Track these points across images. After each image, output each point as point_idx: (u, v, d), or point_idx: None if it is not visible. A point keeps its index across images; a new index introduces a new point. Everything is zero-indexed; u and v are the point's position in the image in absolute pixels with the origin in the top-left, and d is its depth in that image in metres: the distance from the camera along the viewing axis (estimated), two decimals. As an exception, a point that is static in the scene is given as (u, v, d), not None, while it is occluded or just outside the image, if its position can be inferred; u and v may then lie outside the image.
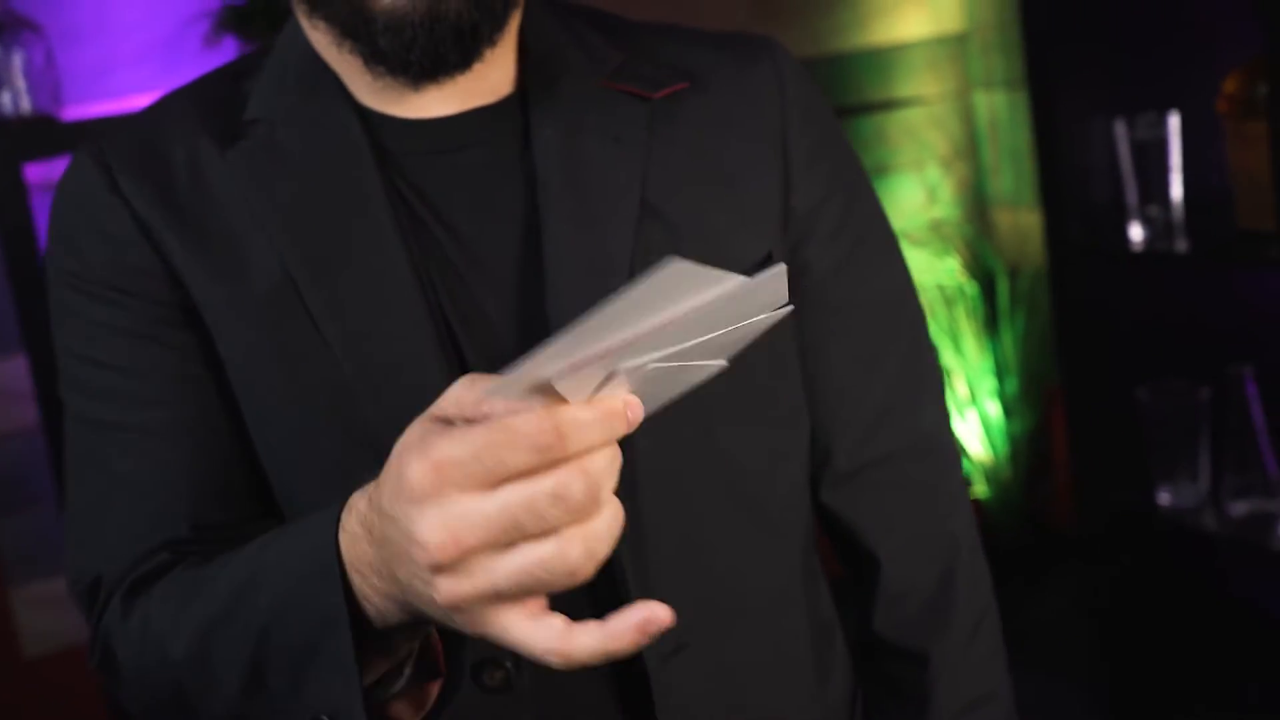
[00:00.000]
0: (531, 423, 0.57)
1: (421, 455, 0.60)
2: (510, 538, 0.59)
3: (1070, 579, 2.68)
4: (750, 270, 0.88)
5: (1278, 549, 1.96)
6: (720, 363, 0.65)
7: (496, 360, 0.85)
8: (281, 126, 0.89)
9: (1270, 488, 2.03)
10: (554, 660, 0.61)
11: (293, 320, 0.85)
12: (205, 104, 0.92)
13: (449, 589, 0.60)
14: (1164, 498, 2.14)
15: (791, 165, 0.94)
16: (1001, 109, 2.93)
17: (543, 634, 0.61)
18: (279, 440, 0.87)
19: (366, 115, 0.90)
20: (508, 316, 0.88)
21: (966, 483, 1.04)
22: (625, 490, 0.84)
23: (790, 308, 0.63)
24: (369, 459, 0.72)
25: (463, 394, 0.61)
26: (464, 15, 0.84)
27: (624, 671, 0.88)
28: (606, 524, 0.60)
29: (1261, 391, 2.02)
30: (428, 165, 0.89)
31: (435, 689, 0.76)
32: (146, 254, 0.87)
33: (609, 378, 0.59)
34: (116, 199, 0.87)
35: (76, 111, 2.23)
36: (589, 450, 0.59)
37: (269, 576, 0.75)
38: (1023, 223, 2.92)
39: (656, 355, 0.60)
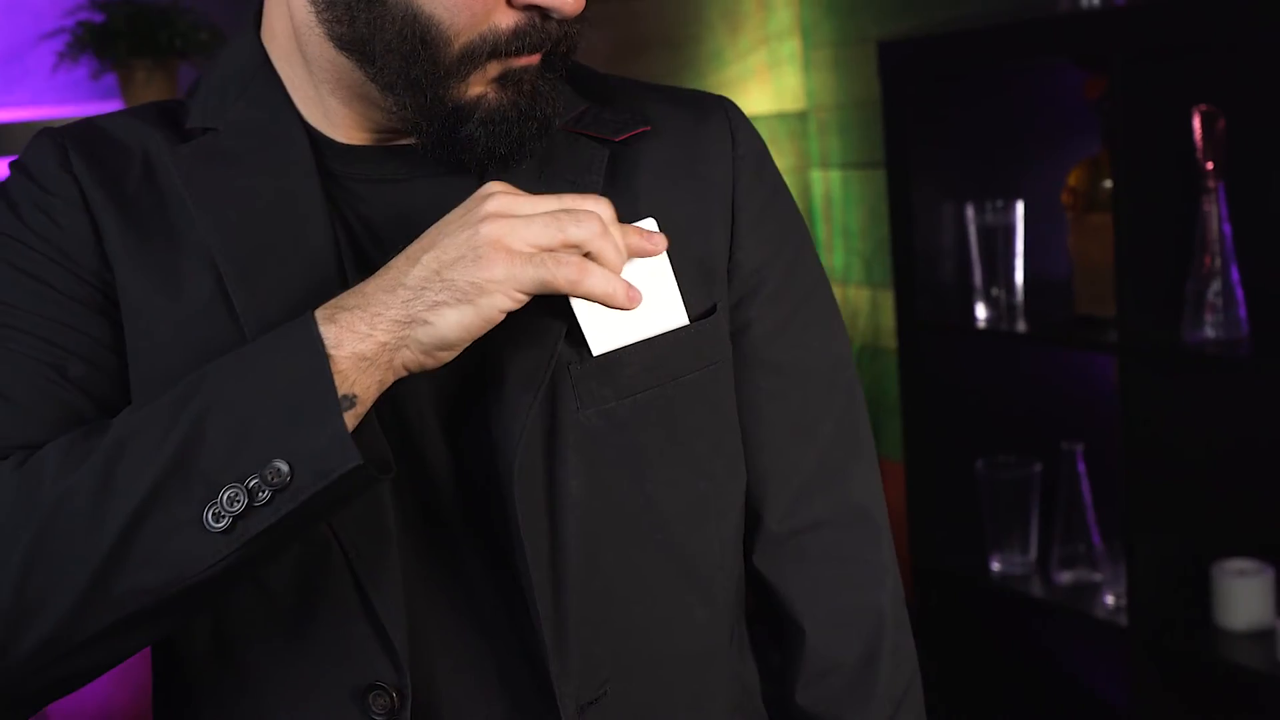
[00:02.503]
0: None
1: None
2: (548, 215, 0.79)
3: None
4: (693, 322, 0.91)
5: (1100, 616, 2.07)
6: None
7: (426, 390, 0.86)
8: (227, 134, 0.88)
9: (1094, 559, 2.15)
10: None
11: (218, 319, 0.84)
12: (155, 116, 0.92)
13: (495, 211, 0.78)
14: (995, 566, 2.24)
15: (738, 221, 0.96)
16: (836, 188, 3.04)
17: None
18: None
19: (314, 136, 0.90)
20: None
21: (894, 554, 1.04)
22: (550, 531, 0.86)
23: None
24: None
25: None
26: (551, 118, 0.88)
27: None
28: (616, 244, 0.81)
29: (1089, 468, 2.14)
30: (373, 192, 0.90)
31: None
32: (83, 231, 0.86)
33: None
34: (66, 175, 0.87)
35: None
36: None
37: (223, 366, 0.77)
38: (852, 298, 3.03)
39: None
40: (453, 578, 0.87)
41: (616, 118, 0.95)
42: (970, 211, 2.17)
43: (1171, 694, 1.97)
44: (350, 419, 0.76)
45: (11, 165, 0.90)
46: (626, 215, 0.90)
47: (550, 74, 0.87)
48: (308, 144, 0.88)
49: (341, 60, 0.85)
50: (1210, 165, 1.83)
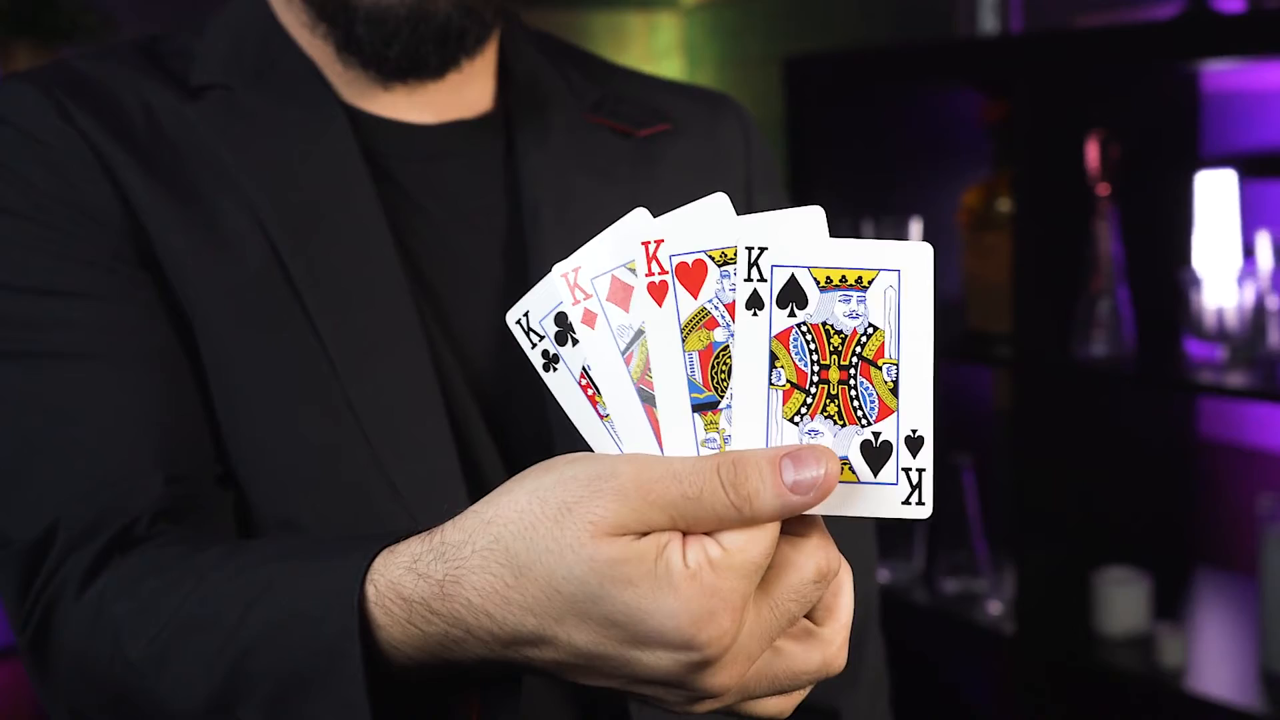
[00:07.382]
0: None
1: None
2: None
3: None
4: None
5: (983, 624, 2.14)
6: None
7: (474, 344, 0.85)
8: (246, 93, 0.84)
9: (979, 568, 2.21)
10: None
11: (275, 287, 0.80)
12: (140, 61, 0.86)
13: (724, 678, 0.56)
14: (883, 575, 2.29)
15: None
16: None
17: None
18: (245, 400, 0.80)
19: (344, 106, 0.88)
20: (489, 316, 0.86)
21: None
22: None
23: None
24: (343, 428, 0.77)
25: (640, 472, 0.54)
26: (452, 18, 0.84)
27: None
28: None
29: (976, 480, 2.21)
30: (406, 167, 0.88)
31: None
32: (105, 190, 0.79)
33: None
34: (70, 128, 0.80)
35: None
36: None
37: (273, 591, 0.64)
38: (729, 314, 3.07)
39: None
40: None
41: (634, 110, 0.94)
42: (868, 227, 2.21)
43: (1051, 699, 2.04)
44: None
45: None
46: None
47: None
48: (341, 114, 0.86)
49: None
50: (1104, 188, 1.91)
